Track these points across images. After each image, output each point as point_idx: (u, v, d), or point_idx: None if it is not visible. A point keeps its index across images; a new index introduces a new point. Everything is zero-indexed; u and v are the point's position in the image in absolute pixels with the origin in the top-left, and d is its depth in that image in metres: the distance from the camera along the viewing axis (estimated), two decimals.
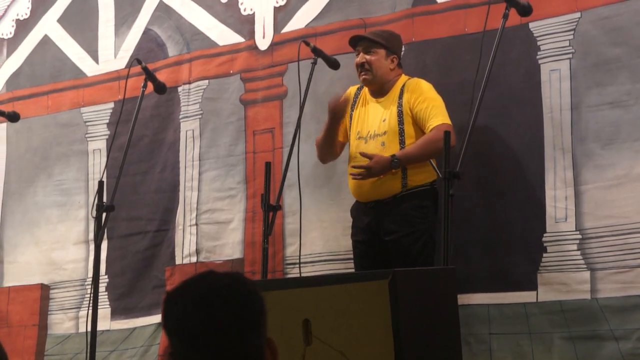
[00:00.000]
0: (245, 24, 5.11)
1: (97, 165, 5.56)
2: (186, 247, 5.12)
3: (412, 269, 3.57)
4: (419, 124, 4.11)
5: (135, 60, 4.57)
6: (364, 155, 4.05)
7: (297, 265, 4.49)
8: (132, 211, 5.27)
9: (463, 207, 4.04)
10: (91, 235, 5.45)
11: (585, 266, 3.99)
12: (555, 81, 4.15)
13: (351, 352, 2.95)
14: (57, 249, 5.60)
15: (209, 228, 5.08)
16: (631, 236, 3.89)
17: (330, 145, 4.32)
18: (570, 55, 4.14)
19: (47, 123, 5.77)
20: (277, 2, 5.01)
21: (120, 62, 5.55)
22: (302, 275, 4.48)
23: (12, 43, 6.00)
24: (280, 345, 1.77)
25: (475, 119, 3.60)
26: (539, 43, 4.22)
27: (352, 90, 4.37)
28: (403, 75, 4.28)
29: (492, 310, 4.17)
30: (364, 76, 4.21)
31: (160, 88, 4.66)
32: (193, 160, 5.17)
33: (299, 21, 4.92)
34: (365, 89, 4.33)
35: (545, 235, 4.10)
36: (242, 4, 5.14)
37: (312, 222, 4.67)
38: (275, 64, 4.97)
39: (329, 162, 4.46)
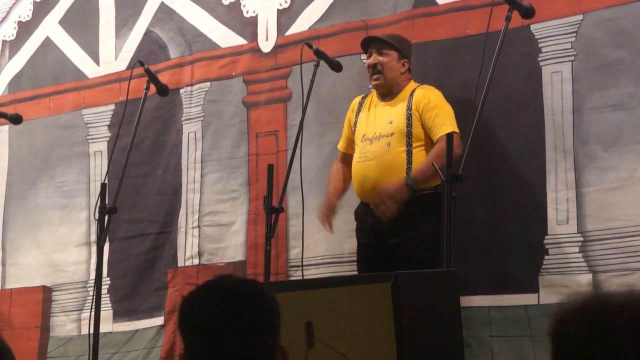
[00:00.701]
0: (247, 26, 5.11)
1: (98, 167, 5.56)
2: (188, 250, 5.12)
3: (414, 272, 3.56)
4: (426, 131, 4.12)
5: (137, 62, 4.56)
6: (378, 194, 4.05)
7: (300, 268, 4.48)
8: (134, 213, 5.27)
9: (464, 209, 4.03)
10: (93, 237, 5.45)
11: (587, 269, 3.99)
12: (557, 83, 4.14)
13: (353, 355, 2.95)
14: (58, 251, 5.59)
15: (211, 230, 5.07)
16: (634, 239, 3.88)
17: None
18: (572, 58, 4.14)
19: (48, 125, 5.77)
20: (280, 5, 5.01)
21: (121, 64, 5.55)
22: (305, 277, 4.48)
23: (14, 45, 6.00)
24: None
25: (478, 122, 3.60)
26: (540, 45, 4.22)
27: (357, 100, 4.39)
28: (413, 81, 4.29)
29: (493, 313, 4.17)
30: (375, 81, 4.23)
31: (162, 90, 4.66)
32: (195, 163, 5.17)
33: (302, 24, 4.92)
34: (372, 94, 4.34)
35: (546, 237, 4.10)
36: (244, 6, 5.14)
37: (315, 224, 4.66)
38: (279, 67, 4.97)
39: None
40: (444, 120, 4.07)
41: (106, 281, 5.26)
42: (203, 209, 5.11)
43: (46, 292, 5.60)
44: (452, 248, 3.35)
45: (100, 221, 4.27)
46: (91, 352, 4.15)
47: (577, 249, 4.02)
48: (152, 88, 4.61)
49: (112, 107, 5.56)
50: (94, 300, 4.27)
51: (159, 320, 5.10)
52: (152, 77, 4.57)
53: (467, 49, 4.31)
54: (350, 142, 4.37)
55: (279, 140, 4.91)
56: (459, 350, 3.14)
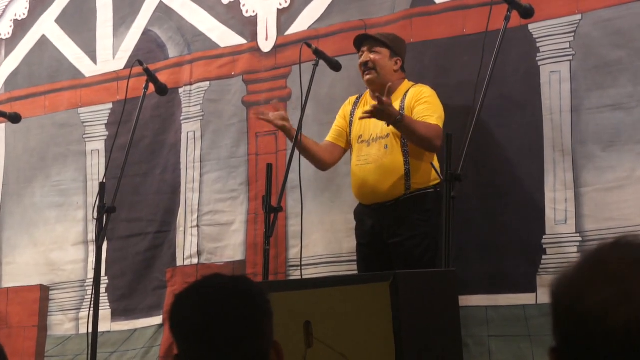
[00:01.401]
0: (247, 26, 5.10)
1: (96, 166, 5.55)
2: (187, 249, 5.11)
3: (413, 271, 3.57)
4: None
5: (136, 61, 4.56)
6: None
7: (299, 268, 4.48)
8: (132, 212, 5.26)
9: (462, 209, 4.03)
10: (90, 236, 5.45)
11: None
12: (555, 83, 4.15)
13: (352, 354, 2.95)
14: (55, 250, 5.58)
15: (210, 230, 5.07)
16: None
17: (309, 156, 4.30)
18: (570, 57, 4.14)
19: (44, 123, 5.76)
20: (280, 4, 5.01)
21: (118, 63, 5.54)
22: (304, 277, 4.48)
23: (10, 43, 5.99)
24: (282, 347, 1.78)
25: (478, 121, 3.60)
26: (538, 45, 4.22)
27: (352, 99, 4.39)
28: (407, 81, 4.29)
29: (491, 312, 4.17)
30: (367, 76, 4.22)
31: (161, 89, 4.66)
32: (194, 162, 5.16)
33: (302, 23, 4.92)
34: (366, 94, 4.34)
35: (545, 237, 4.11)
36: (244, 5, 5.13)
37: (314, 224, 4.67)
38: (278, 66, 4.97)
39: (328, 169, 4.44)
40: (432, 112, 4.05)
41: (104, 280, 5.26)
42: (202, 208, 5.11)
43: (43, 291, 5.59)
44: (451, 248, 3.35)
45: (99, 220, 4.26)
46: (90, 352, 4.14)
47: (575, 249, 4.02)
48: (151, 87, 4.61)
49: (110, 105, 5.55)
50: (93, 300, 4.26)
51: (157, 320, 5.10)
52: (151, 77, 4.57)
53: (464, 49, 4.31)
54: (342, 135, 4.35)
55: (279, 140, 4.91)
56: (457, 350, 3.14)
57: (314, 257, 4.69)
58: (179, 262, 5.12)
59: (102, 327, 4.65)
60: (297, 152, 4.19)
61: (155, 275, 5.20)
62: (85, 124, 5.64)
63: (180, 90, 5.25)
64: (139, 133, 4.69)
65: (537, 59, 4.21)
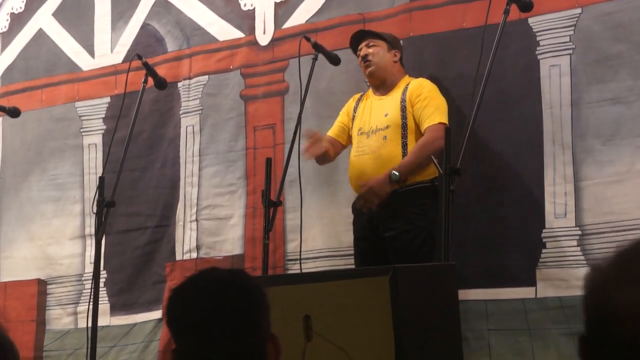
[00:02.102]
0: (245, 19, 5.09)
1: (93, 160, 5.54)
2: (186, 243, 5.11)
3: (412, 265, 3.56)
4: (417, 123, 4.12)
5: (135, 55, 4.54)
6: (361, 184, 4.07)
7: (298, 262, 4.48)
8: (131, 207, 5.25)
9: (461, 203, 4.03)
10: (87, 231, 5.45)
11: (585, 262, 3.99)
12: (555, 77, 4.14)
13: (352, 348, 2.95)
14: (52, 244, 5.58)
15: (209, 224, 5.07)
16: (631, 232, 3.88)
17: (323, 160, 4.36)
18: (570, 51, 4.13)
19: (41, 117, 5.75)
20: None
21: (116, 57, 5.53)
22: (303, 271, 4.47)
23: (7, 37, 5.97)
24: (280, 341, 1.77)
25: (476, 115, 3.59)
26: (538, 38, 4.21)
27: (356, 97, 4.41)
28: (407, 76, 4.30)
29: (491, 306, 4.17)
30: (368, 68, 4.25)
31: (160, 84, 4.65)
32: (193, 156, 5.16)
33: (300, 17, 4.91)
34: (369, 91, 4.34)
35: (544, 231, 4.10)
36: None
37: (313, 218, 4.67)
38: (276, 60, 4.96)
39: (327, 163, 4.45)
40: (433, 112, 4.08)
41: (103, 275, 5.25)
42: (201, 202, 5.10)
43: (41, 285, 5.58)
44: (450, 241, 3.35)
45: (98, 215, 4.25)
46: (89, 346, 4.13)
47: (575, 243, 4.02)
48: (149, 81, 4.60)
49: (107, 99, 5.55)
50: (92, 294, 4.25)
51: (157, 314, 5.09)
52: (151, 71, 4.56)
53: (464, 42, 4.30)
54: (344, 131, 4.36)
55: (277, 134, 4.91)
56: (457, 344, 3.14)
57: (313, 251, 4.68)
58: (178, 257, 5.12)
59: (101, 322, 4.63)
60: (295, 147, 4.18)
61: (154, 270, 5.19)
62: (82, 118, 5.63)
63: (179, 84, 5.24)
64: (136, 127, 4.68)
65: (537, 52, 4.20)
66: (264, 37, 5.03)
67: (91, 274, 5.20)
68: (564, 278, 4.01)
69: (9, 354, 1.82)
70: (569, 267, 4.01)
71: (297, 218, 4.53)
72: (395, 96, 4.22)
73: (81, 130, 5.62)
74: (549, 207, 4.09)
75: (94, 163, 5.52)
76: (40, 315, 5.55)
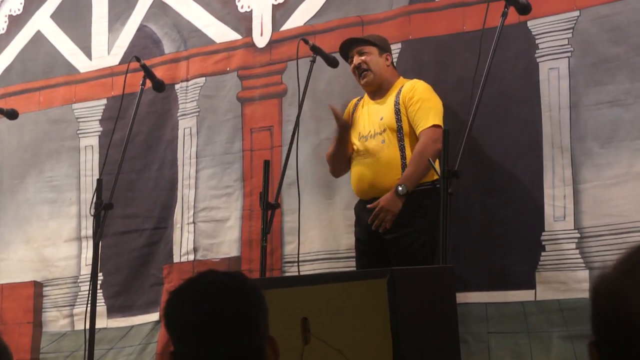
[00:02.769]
0: (242, 21, 5.09)
1: (89, 162, 5.54)
2: (184, 245, 5.10)
3: (410, 268, 3.56)
4: (412, 126, 4.13)
5: (133, 57, 4.54)
6: (370, 207, 4.06)
7: (296, 264, 4.47)
8: (127, 209, 5.24)
9: (461, 206, 4.03)
10: (83, 233, 5.45)
11: (584, 265, 3.99)
12: (553, 79, 4.14)
13: (349, 351, 2.94)
14: (48, 246, 5.57)
15: (206, 226, 5.06)
16: (630, 235, 3.88)
17: (342, 155, 4.31)
18: (569, 54, 4.13)
19: (38, 119, 5.75)
20: (275, 0, 5.00)
21: (113, 59, 5.53)
22: (301, 273, 4.47)
23: (5, 39, 5.98)
24: (278, 343, 1.77)
25: (474, 118, 3.59)
26: (537, 41, 4.21)
27: (353, 101, 4.40)
28: (401, 78, 4.30)
29: (490, 309, 4.16)
30: (364, 79, 4.24)
31: (158, 86, 4.64)
32: (190, 158, 5.15)
33: (298, 19, 4.91)
34: (365, 96, 4.35)
35: (543, 234, 4.10)
36: (239, 1, 5.12)
37: (311, 220, 4.66)
38: (273, 62, 4.96)
39: (342, 175, 4.42)
40: (426, 114, 4.08)
41: (99, 277, 5.23)
42: (198, 204, 5.10)
43: (37, 287, 5.57)
44: (448, 244, 3.34)
45: (96, 217, 4.24)
46: (87, 348, 4.12)
47: (574, 245, 4.02)
48: (147, 83, 4.59)
49: (104, 101, 5.54)
50: (90, 296, 4.24)
51: (154, 316, 5.09)
52: (149, 73, 4.55)
53: (464, 45, 4.30)
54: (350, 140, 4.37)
55: (274, 136, 4.90)
56: (455, 346, 3.12)
57: (311, 254, 4.68)
58: (176, 259, 5.11)
59: (97, 324, 4.62)
60: (293, 149, 4.18)
61: (152, 272, 5.19)
62: (79, 120, 5.62)
63: (177, 86, 5.24)
64: (134, 129, 4.67)
65: (536, 55, 4.21)
66: (261, 39, 5.02)
67: (86, 276, 5.21)
68: (563, 281, 4.01)
69: (3, 357, 1.81)
70: (568, 270, 4.01)
71: (294, 220, 4.52)
72: (390, 99, 4.22)
73: (78, 132, 5.61)
74: (548, 210, 4.09)
75: (90, 165, 5.52)
76: (37, 317, 5.54)
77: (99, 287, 5.24)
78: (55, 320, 5.49)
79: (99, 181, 4.35)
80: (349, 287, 3.02)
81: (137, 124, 5.02)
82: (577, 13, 4.13)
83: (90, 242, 5.22)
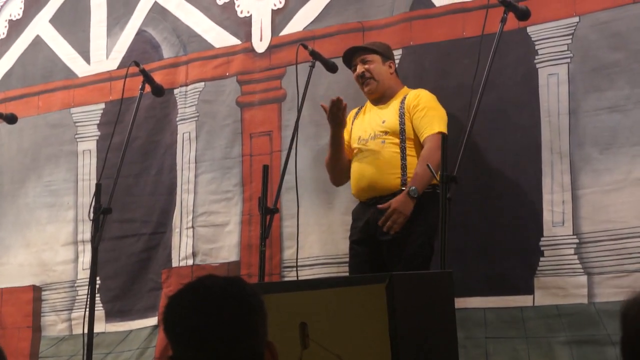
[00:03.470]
0: (241, 26, 5.10)
1: (87, 166, 5.54)
2: (183, 250, 5.10)
3: (409, 273, 3.56)
4: (415, 131, 4.13)
5: (133, 62, 4.53)
6: (382, 207, 4.04)
7: (295, 269, 4.47)
8: (125, 213, 5.24)
9: (460, 211, 4.03)
10: (80, 237, 5.45)
11: (582, 270, 3.99)
12: (553, 85, 4.15)
13: (348, 356, 2.94)
14: (46, 250, 5.58)
15: (205, 231, 5.06)
16: (629, 241, 3.89)
17: (339, 160, 4.31)
18: (568, 60, 4.14)
19: (37, 124, 5.76)
20: (274, 5, 5.01)
21: (112, 63, 5.53)
22: (300, 278, 4.47)
23: (5, 43, 5.98)
24: (277, 348, 1.78)
25: (473, 123, 3.60)
26: (536, 47, 4.22)
27: (353, 111, 4.40)
28: (405, 87, 4.31)
29: (489, 314, 4.17)
30: (367, 87, 4.26)
31: (158, 90, 4.64)
32: (189, 163, 5.16)
33: (297, 24, 4.91)
34: (367, 104, 4.36)
35: (542, 239, 4.10)
36: (238, 6, 5.13)
37: (310, 225, 4.66)
38: (273, 67, 4.96)
39: (343, 184, 4.41)
40: (431, 121, 4.09)
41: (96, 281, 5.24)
42: (197, 209, 5.10)
43: (36, 292, 5.58)
44: (447, 249, 3.34)
45: (95, 221, 4.24)
46: (85, 352, 4.12)
47: (572, 251, 4.02)
48: (146, 88, 4.59)
49: (102, 106, 5.55)
50: (88, 301, 4.24)
51: (152, 321, 5.09)
52: (148, 78, 4.55)
53: (464, 51, 4.30)
54: (347, 148, 4.38)
55: (273, 141, 4.91)
56: (453, 352, 3.12)
57: (310, 259, 4.68)
58: (175, 263, 5.11)
59: (96, 328, 4.62)
60: (292, 154, 4.18)
61: (150, 277, 5.19)
62: (77, 124, 5.63)
63: (176, 91, 5.24)
64: (132, 133, 4.68)
65: (536, 61, 4.21)
66: (260, 44, 5.03)
67: (83, 280, 5.21)
68: (561, 286, 4.01)
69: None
70: (567, 276, 4.02)
71: (293, 225, 4.52)
72: (393, 105, 4.23)
73: (76, 136, 5.61)
74: (547, 215, 4.09)
75: (87, 169, 5.52)
76: (36, 321, 5.54)
77: (96, 291, 5.25)
78: (54, 325, 5.49)
79: (98, 186, 4.34)
80: (348, 292, 3.02)
81: (136, 129, 5.01)
82: (576, 19, 4.13)
83: (87, 246, 5.24)
